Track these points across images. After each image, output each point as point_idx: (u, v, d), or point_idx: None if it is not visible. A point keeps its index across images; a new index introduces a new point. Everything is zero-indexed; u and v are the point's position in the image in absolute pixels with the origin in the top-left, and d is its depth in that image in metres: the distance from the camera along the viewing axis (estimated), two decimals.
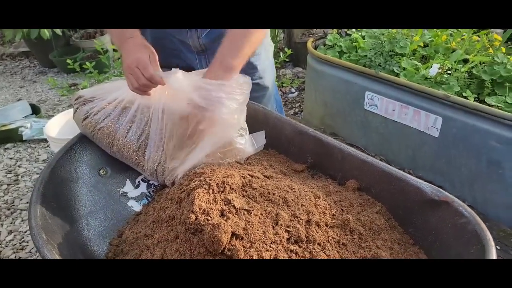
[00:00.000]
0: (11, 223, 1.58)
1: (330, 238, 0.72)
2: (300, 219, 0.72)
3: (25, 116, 2.30)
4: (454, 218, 0.70)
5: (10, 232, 1.53)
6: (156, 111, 0.89)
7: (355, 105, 1.76)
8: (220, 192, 0.72)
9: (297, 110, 2.58)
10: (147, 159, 0.89)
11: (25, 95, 2.82)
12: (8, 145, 2.14)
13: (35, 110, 2.36)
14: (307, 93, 2.11)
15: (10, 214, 1.62)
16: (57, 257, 0.63)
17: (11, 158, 2.03)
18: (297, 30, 2.95)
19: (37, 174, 1.89)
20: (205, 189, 0.71)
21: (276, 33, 3.10)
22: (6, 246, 1.47)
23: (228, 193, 0.72)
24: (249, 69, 1.10)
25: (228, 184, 0.73)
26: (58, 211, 0.78)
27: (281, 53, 2.80)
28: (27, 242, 1.48)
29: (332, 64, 1.77)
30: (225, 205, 0.70)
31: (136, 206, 0.93)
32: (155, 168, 0.88)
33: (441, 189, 0.74)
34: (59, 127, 1.51)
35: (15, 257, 1.43)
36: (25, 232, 1.53)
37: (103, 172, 0.92)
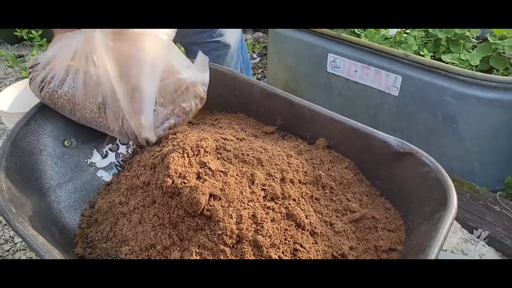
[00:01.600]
0: None
1: (304, 193, 0.75)
2: (275, 177, 0.74)
3: None
4: (417, 168, 0.75)
5: None
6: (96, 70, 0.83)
7: (318, 68, 1.77)
8: (195, 156, 0.72)
9: (259, 76, 2.57)
10: (110, 119, 0.85)
11: None
12: None
13: None
14: (269, 58, 2.10)
15: None
16: (30, 229, 0.61)
17: None
18: None
19: None
20: (179, 153, 0.71)
21: None
22: None
23: (203, 156, 0.72)
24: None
25: (202, 148, 0.73)
26: (24, 184, 0.75)
27: None
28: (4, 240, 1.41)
29: None
30: (200, 167, 0.70)
31: (106, 176, 0.91)
32: (120, 125, 0.85)
33: (406, 142, 0.78)
34: (11, 100, 1.41)
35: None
36: None
37: (67, 143, 0.88)
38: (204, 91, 0.91)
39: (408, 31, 1.55)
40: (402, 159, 0.79)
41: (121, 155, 0.96)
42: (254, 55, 2.79)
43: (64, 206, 0.81)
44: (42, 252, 0.59)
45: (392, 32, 1.52)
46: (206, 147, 0.74)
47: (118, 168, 0.94)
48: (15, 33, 2.18)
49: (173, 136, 0.79)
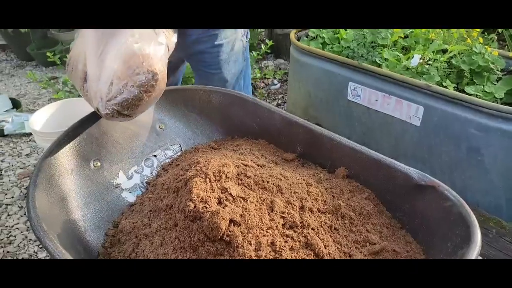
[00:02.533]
0: None
1: (323, 223, 0.75)
2: (294, 205, 0.75)
3: (6, 111, 2.25)
4: (440, 202, 0.74)
5: None
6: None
7: (338, 95, 1.79)
8: (216, 181, 0.74)
9: (280, 101, 2.61)
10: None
11: (3, 89, 2.74)
12: None
13: (16, 104, 2.31)
14: (290, 84, 2.14)
15: None
16: (59, 247, 0.64)
17: None
18: None
19: (20, 168, 1.86)
20: (202, 178, 0.73)
21: None
22: None
23: (225, 182, 0.74)
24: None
25: (224, 173, 0.75)
26: (54, 202, 0.78)
27: (262, 44, 2.81)
28: (15, 236, 1.46)
29: (315, 55, 1.80)
30: (222, 193, 0.72)
31: (130, 197, 0.94)
32: (85, 91, 0.87)
33: (427, 175, 0.78)
34: (44, 120, 1.49)
35: (3, 251, 1.41)
36: (12, 226, 1.51)
37: (95, 163, 0.92)
38: (159, 66, 0.85)
39: (430, 62, 1.56)
40: (424, 192, 0.78)
41: (145, 177, 0.99)
42: (275, 81, 2.84)
43: (90, 225, 0.84)
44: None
45: (414, 62, 1.53)
46: (228, 173, 0.76)
47: (142, 189, 0.97)
48: (49, 59, 2.30)
49: (196, 161, 0.82)
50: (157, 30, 0.87)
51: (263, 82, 2.79)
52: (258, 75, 2.68)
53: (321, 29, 1.94)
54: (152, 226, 0.75)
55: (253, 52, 2.79)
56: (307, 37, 2.00)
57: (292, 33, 2.00)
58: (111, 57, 0.81)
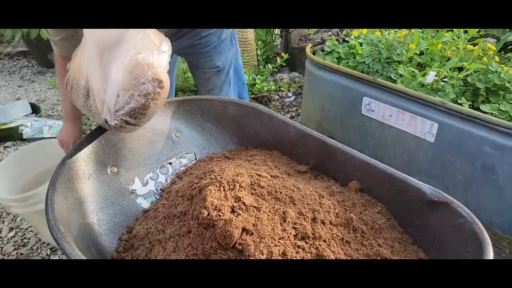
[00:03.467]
0: (12, 220, 1.59)
1: (334, 235, 0.75)
2: (306, 217, 0.75)
3: (25, 115, 2.31)
4: (452, 218, 0.74)
5: (11, 229, 1.54)
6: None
7: (352, 110, 1.80)
8: (230, 190, 0.75)
9: (293, 114, 2.62)
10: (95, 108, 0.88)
11: (24, 95, 2.83)
12: (8, 143, 2.15)
13: (35, 110, 2.37)
14: (304, 97, 2.15)
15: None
16: (76, 249, 0.66)
17: None
18: (294, 35, 3.01)
19: None
20: (216, 186, 0.74)
21: (273, 38, 3.15)
22: (7, 243, 1.48)
23: (238, 191, 0.75)
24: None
25: (237, 182, 0.76)
26: (71, 205, 0.80)
27: (278, 57, 2.85)
28: (28, 239, 1.49)
29: (331, 69, 1.81)
30: (235, 202, 0.73)
31: (145, 203, 0.96)
32: (89, 106, 0.88)
33: (440, 191, 0.78)
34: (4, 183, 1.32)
35: (16, 253, 1.44)
36: (26, 229, 1.54)
37: (112, 169, 0.94)
38: (163, 73, 0.87)
39: (446, 79, 1.56)
40: (436, 208, 0.78)
41: (160, 184, 1.01)
42: (290, 94, 2.86)
43: (104, 229, 0.86)
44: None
45: (429, 79, 1.53)
46: (242, 182, 0.77)
47: (156, 196, 0.98)
48: None
49: (211, 170, 0.83)
50: (159, 37, 0.89)
51: (277, 94, 2.81)
52: (273, 87, 2.70)
53: (336, 44, 1.96)
54: (166, 232, 0.77)
55: (268, 64, 2.82)
56: (322, 51, 2.02)
57: (308, 47, 2.02)
58: (115, 69, 0.83)
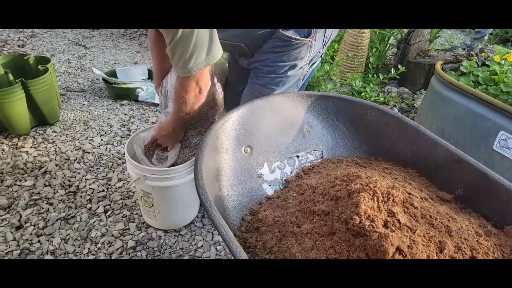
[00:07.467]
0: (121, 171, 1.69)
1: None
2: (465, 253, 0.66)
3: (143, 79, 2.47)
4: None
5: (119, 180, 1.64)
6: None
7: (481, 142, 1.61)
8: (384, 202, 0.69)
9: None
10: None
11: (140, 60, 3.02)
12: (124, 102, 2.31)
13: (151, 76, 2.52)
14: (420, 116, 1.99)
15: (121, 163, 1.74)
16: (223, 220, 0.64)
17: (125, 114, 2.19)
18: (413, 49, 2.82)
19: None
20: (369, 194, 0.68)
21: (386, 48, 2.99)
22: (115, 191, 1.58)
23: (392, 205, 0.69)
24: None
25: (392, 196, 0.70)
26: (210, 176, 0.80)
27: (393, 69, 2.69)
28: (133, 192, 1.58)
29: (465, 92, 1.64)
30: (388, 216, 0.67)
31: (269, 190, 0.94)
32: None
33: None
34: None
35: (122, 202, 1.53)
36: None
37: (246, 149, 0.93)
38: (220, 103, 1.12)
39: None
40: None
41: (285, 174, 0.98)
42: (395, 109, 2.70)
43: (231, 205, 0.85)
44: (233, 246, 0.60)
45: None
46: (396, 196, 0.70)
47: (280, 185, 0.96)
48: None
49: (356, 174, 0.77)
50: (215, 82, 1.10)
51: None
52: (382, 99, 2.56)
53: (475, 67, 1.77)
54: (302, 227, 0.73)
55: (380, 74, 2.68)
56: (455, 71, 1.85)
57: (438, 63, 1.86)
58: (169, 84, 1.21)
